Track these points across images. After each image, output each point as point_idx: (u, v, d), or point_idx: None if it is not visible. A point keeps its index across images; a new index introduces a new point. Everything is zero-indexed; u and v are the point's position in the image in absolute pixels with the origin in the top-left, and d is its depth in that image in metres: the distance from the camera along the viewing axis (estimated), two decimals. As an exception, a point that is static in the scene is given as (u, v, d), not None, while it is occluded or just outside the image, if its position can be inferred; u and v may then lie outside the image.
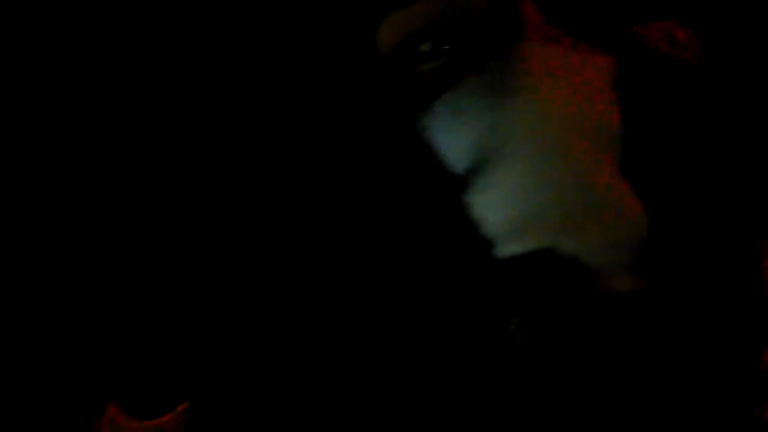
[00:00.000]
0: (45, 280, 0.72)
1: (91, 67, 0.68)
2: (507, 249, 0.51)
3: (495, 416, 0.51)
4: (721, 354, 0.52)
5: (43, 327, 0.71)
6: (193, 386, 0.68)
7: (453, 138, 0.54)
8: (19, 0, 0.68)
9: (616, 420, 0.50)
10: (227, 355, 0.66)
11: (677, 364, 0.51)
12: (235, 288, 0.67)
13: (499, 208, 0.52)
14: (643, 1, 0.56)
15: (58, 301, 0.72)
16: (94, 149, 0.69)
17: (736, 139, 0.56)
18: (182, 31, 0.65)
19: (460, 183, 0.53)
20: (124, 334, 0.72)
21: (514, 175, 0.51)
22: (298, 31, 0.60)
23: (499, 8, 0.55)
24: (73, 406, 0.71)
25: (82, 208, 0.69)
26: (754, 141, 0.57)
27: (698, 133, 0.54)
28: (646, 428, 0.51)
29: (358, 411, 0.55)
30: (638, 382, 0.50)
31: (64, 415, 0.71)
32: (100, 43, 0.68)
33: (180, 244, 0.68)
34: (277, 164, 0.60)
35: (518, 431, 0.51)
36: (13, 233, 0.70)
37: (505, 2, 0.55)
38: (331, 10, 0.60)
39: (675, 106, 0.54)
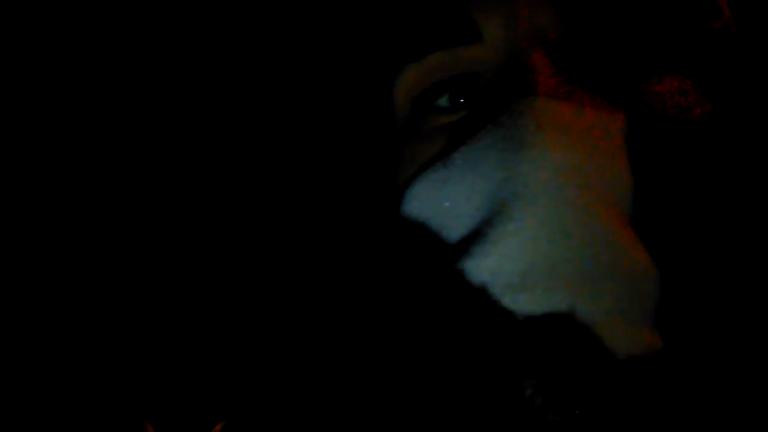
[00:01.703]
0: (79, 297, 0.74)
1: (91, 67, 0.69)
2: (519, 301, 0.52)
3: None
4: (738, 408, 0.51)
5: (77, 346, 0.73)
6: (228, 404, 0.71)
7: (469, 189, 0.55)
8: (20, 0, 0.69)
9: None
10: (259, 371, 0.68)
11: (696, 423, 0.51)
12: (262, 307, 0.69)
13: (511, 259, 0.52)
14: (652, 57, 0.56)
15: (94, 319, 0.74)
16: (94, 149, 0.70)
17: (747, 194, 0.56)
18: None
19: (472, 237, 0.54)
20: (159, 353, 0.74)
21: (528, 227, 0.52)
22: (316, 85, 0.61)
23: (511, 61, 0.57)
24: (112, 426, 0.73)
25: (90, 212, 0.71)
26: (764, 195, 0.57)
27: (708, 189, 0.54)
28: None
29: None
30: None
31: None
32: (100, 43, 0.69)
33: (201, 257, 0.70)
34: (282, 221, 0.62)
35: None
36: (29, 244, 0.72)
37: (517, 55, 0.56)
38: (347, 63, 0.61)
39: (684, 161, 0.54)
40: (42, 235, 0.73)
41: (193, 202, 0.70)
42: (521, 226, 0.52)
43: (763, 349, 0.53)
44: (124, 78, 0.69)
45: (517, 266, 0.52)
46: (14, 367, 0.71)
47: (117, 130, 0.70)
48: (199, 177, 0.69)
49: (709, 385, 0.51)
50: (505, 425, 0.51)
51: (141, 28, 0.69)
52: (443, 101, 0.59)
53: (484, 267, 0.53)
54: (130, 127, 0.70)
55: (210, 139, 0.67)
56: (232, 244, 0.70)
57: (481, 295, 0.53)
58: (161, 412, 0.72)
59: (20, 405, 0.71)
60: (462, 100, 0.59)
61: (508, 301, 0.52)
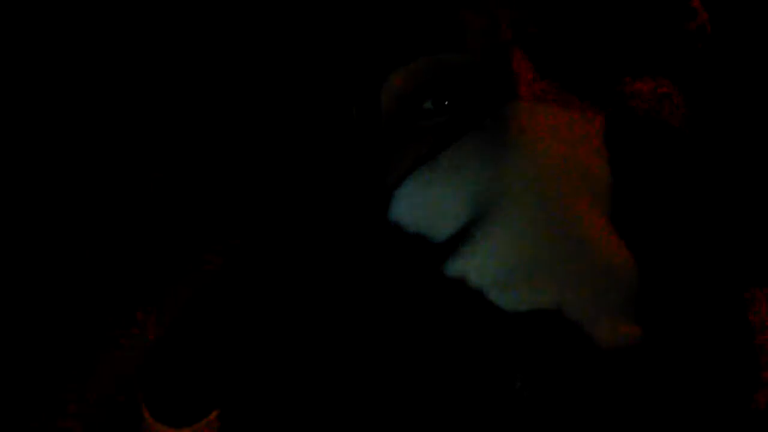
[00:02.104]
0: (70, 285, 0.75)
1: (91, 68, 0.70)
2: (505, 298, 0.54)
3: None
4: (714, 397, 0.54)
5: (73, 332, 0.75)
6: (224, 393, 0.72)
7: (455, 190, 0.57)
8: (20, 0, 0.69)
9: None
10: (255, 361, 0.70)
11: (674, 412, 0.53)
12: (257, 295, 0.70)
13: (497, 258, 0.54)
14: (630, 58, 0.58)
15: (90, 308, 0.75)
16: (94, 149, 0.71)
17: (722, 191, 0.58)
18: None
19: (460, 237, 0.56)
20: (157, 342, 0.75)
21: (512, 226, 0.54)
22: (303, 86, 0.63)
23: (493, 65, 0.58)
24: (108, 413, 0.75)
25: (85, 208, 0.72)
26: (741, 191, 0.60)
27: (685, 186, 0.57)
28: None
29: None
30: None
31: (99, 421, 0.75)
32: (101, 43, 0.70)
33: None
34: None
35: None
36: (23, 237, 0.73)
37: (499, 59, 0.58)
38: (336, 66, 0.63)
39: (661, 160, 0.57)
40: (42, 234, 0.74)
41: (177, 198, 0.71)
42: (505, 225, 0.55)
43: (735, 342, 0.56)
44: (112, 77, 0.70)
45: (503, 264, 0.54)
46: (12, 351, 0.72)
47: (107, 129, 0.71)
48: (184, 176, 0.70)
49: (687, 375, 0.54)
50: (495, 417, 0.53)
51: (129, 27, 0.70)
52: (429, 104, 0.61)
53: (471, 266, 0.55)
54: (116, 126, 0.71)
55: (197, 139, 0.69)
56: (220, 239, 0.72)
57: (469, 292, 0.55)
58: (157, 399, 0.74)
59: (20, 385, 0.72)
60: (446, 103, 0.61)
61: (495, 297, 0.54)
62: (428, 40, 0.60)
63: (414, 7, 0.60)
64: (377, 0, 0.62)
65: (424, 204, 0.58)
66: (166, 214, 0.71)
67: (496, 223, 0.55)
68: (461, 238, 0.56)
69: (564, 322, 0.53)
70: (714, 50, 0.61)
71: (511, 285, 0.54)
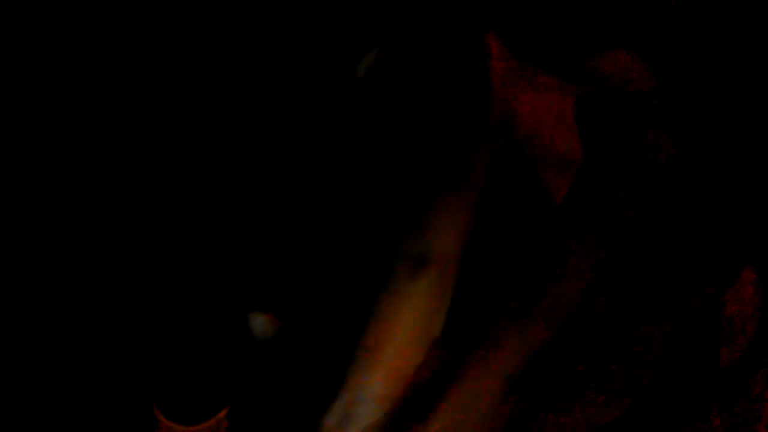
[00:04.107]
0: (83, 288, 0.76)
1: (91, 67, 0.71)
2: None
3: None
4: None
5: (86, 335, 0.76)
6: (232, 392, 0.73)
7: None
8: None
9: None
10: (263, 361, 0.71)
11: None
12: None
13: None
14: (598, 33, 0.59)
15: (102, 313, 0.76)
16: (94, 149, 0.72)
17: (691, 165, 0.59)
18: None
19: None
20: (165, 342, 0.76)
21: None
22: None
23: (464, 45, 0.60)
24: (121, 415, 0.76)
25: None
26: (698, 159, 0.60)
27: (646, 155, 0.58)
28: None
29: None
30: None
31: (113, 423, 0.76)
32: (100, 43, 0.71)
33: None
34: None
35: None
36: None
37: (470, 38, 0.59)
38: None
39: (630, 132, 0.57)
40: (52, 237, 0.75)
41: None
42: None
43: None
44: (123, 78, 0.71)
45: None
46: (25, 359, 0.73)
47: (117, 129, 0.72)
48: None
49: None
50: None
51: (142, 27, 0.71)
52: None
53: None
54: (133, 126, 0.72)
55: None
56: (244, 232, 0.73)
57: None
58: (169, 399, 0.74)
59: (33, 394, 0.73)
60: None
61: None
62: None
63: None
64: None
65: None
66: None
67: None
68: None
69: None
70: (679, 23, 0.61)
71: None
